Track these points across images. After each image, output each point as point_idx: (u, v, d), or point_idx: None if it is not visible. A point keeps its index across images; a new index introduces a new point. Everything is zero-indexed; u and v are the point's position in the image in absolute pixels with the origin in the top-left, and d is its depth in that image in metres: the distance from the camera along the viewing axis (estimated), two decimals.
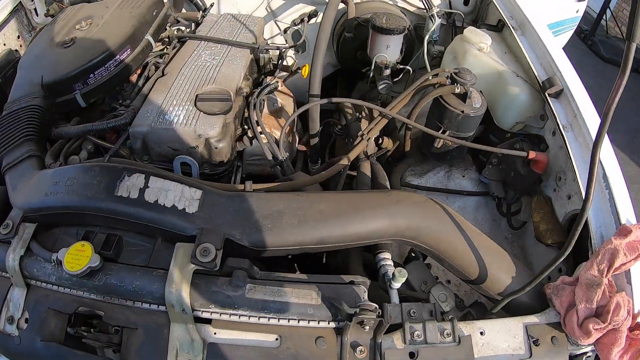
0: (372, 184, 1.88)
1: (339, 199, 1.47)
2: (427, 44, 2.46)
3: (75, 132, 1.80)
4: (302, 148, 2.39)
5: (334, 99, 1.94)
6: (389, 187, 1.86)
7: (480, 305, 1.64)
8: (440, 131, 1.95)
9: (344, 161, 1.82)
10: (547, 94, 1.89)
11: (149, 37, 2.13)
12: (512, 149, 1.97)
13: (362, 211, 1.44)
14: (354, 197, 1.49)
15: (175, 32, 2.38)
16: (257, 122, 1.92)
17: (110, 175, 1.44)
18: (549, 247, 1.82)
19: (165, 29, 2.40)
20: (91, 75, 1.87)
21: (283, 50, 2.22)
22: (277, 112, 2.30)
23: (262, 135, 1.88)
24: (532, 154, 1.84)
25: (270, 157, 1.82)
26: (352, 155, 1.87)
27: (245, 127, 2.02)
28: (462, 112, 1.88)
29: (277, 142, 1.88)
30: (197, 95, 1.85)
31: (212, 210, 1.40)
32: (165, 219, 1.36)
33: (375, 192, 1.53)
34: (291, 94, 2.45)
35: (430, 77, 1.96)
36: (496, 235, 2.10)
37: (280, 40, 2.73)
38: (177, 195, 1.41)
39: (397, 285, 1.46)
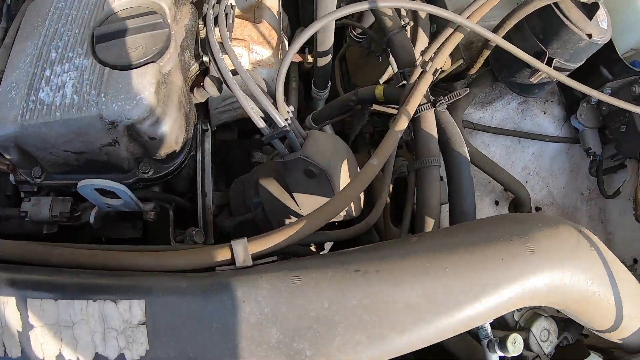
0: (442, 149, 1.05)
1: (432, 272, 0.70)
2: None
3: None
4: (297, 58, 1.42)
5: (382, 2, 0.93)
6: (467, 154, 1.04)
7: (575, 325, 1.09)
8: (545, 59, 1.09)
9: (401, 123, 0.94)
10: None
11: None
12: (627, 90, 1.16)
13: (479, 288, 0.71)
14: (459, 260, 0.72)
15: None
16: (220, 45, 0.94)
17: None
18: None
19: None
20: None
21: None
22: (254, 10, 1.26)
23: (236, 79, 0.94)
24: None
25: (261, 124, 0.93)
26: (412, 105, 0.98)
27: (205, 58, 1.04)
28: (589, 36, 1.00)
29: (271, 94, 0.96)
30: (94, 31, 0.84)
31: (178, 338, 0.62)
32: None
33: (495, 240, 0.74)
34: None
35: None
36: (572, 189, 1.47)
37: None
38: (96, 329, 0.60)
39: (500, 354, 0.87)
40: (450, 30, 1.05)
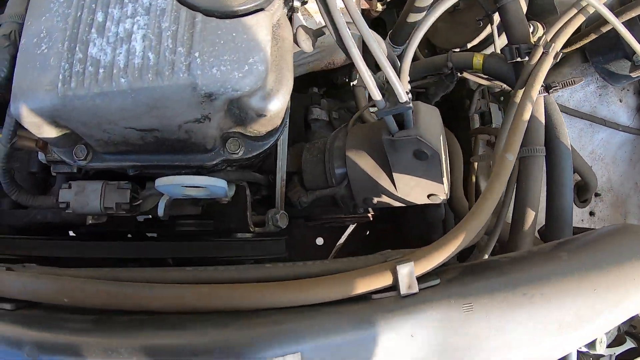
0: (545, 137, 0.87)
1: (585, 293, 0.63)
2: None
3: None
4: (364, 4, 1.11)
5: None
6: (569, 145, 0.87)
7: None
8: None
9: (527, 111, 0.75)
10: None
11: None
12: None
13: (614, 304, 0.66)
14: (603, 280, 0.65)
15: None
16: None
17: None
18: None
19: None
20: None
21: None
22: None
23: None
24: None
25: (378, 96, 0.69)
26: (535, 90, 0.78)
27: (296, 2, 0.74)
28: None
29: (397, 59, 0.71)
30: None
31: None
32: None
33: (627, 258, 0.66)
34: None
35: None
36: (628, 178, 1.39)
37: None
38: None
39: (585, 350, 0.83)
40: (574, 11, 0.83)
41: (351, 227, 1.36)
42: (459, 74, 0.97)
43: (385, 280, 0.52)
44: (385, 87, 0.73)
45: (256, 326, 0.45)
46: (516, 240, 0.85)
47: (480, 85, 1.06)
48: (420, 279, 0.54)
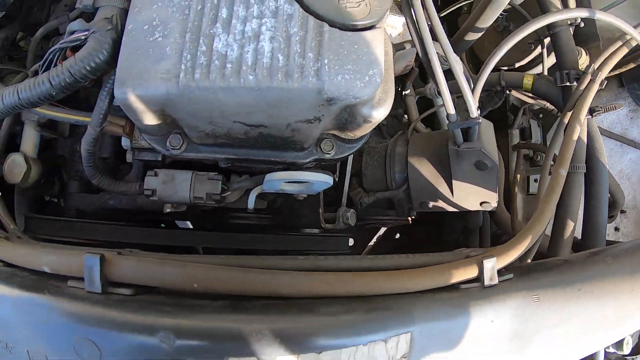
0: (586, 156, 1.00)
1: (626, 293, 0.74)
2: None
3: None
4: None
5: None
6: (606, 164, 1.00)
7: None
8: None
9: (576, 132, 0.87)
10: None
11: None
12: None
13: None
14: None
15: None
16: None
17: None
18: None
19: None
20: None
21: None
22: None
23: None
24: None
25: (452, 110, 0.79)
26: (583, 113, 0.90)
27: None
28: None
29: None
30: None
31: None
32: None
33: None
34: None
35: None
36: None
37: None
38: None
39: (612, 351, 0.94)
40: (619, 43, 0.96)
41: (382, 230, 1.46)
42: (507, 92, 1.09)
43: (472, 272, 0.63)
44: (456, 102, 0.84)
45: (376, 310, 0.55)
46: (556, 248, 0.97)
47: (525, 102, 1.19)
48: (498, 272, 0.65)
